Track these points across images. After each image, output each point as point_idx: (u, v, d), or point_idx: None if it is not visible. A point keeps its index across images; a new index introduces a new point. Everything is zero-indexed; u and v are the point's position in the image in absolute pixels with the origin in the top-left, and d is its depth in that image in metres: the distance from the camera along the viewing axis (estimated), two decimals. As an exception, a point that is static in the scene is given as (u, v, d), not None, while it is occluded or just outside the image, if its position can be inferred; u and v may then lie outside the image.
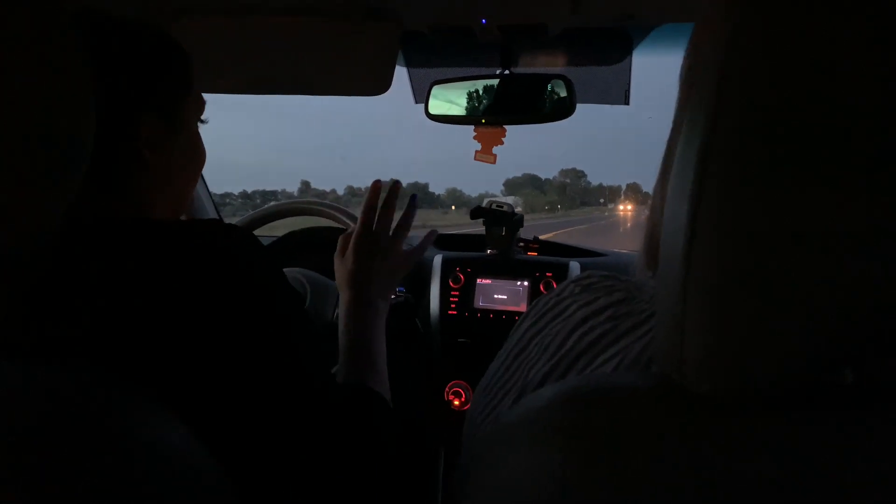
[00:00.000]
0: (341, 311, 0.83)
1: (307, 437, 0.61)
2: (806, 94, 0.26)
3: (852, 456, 0.27)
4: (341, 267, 0.87)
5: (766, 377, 0.28)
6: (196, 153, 0.74)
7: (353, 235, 0.87)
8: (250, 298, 0.57)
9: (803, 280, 0.26)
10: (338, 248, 0.88)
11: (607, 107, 1.38)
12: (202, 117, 0.75)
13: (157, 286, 0.54)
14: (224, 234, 0.59)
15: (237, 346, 0.56)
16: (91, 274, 0.54)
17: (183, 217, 0.76)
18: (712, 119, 0.28)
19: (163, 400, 0.49)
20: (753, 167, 0.27)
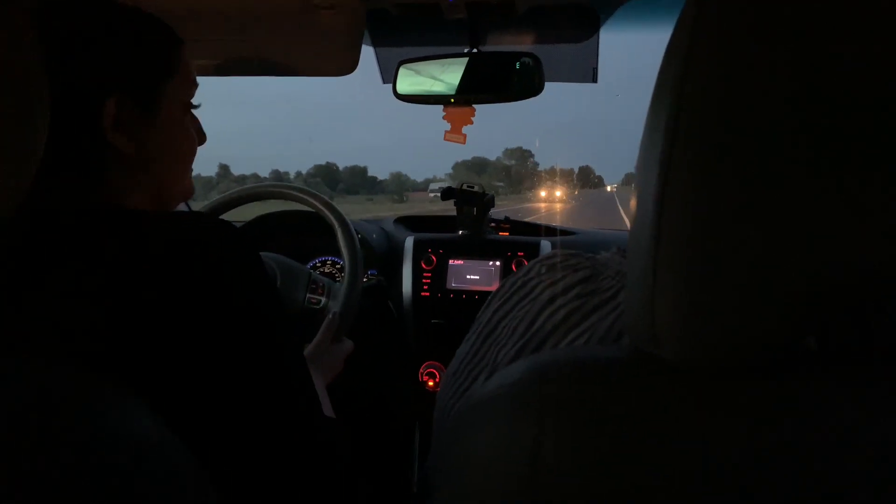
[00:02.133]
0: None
1: (286, 440, 0.60)
2: (769, 74, 0.26)
3: (819, 417, 0.28)
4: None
5: (735, 346, 0.29)
6: (177, 140, 0.70)
7: (310, 350, 1.07)
8: (232, 299, 0.56)
9: (767, 253, 0.27)
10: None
11: (571, 86, 1.38)
12: (193, 101, 0.72)
13: (128, 282, 0.52)
14: (207, 231, 0.57)
15: (217, 346, 0.55)
16: (59, 265, 0.52)
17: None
18: (678, 95, 0.28)
19: (138, 395, 0.48)
20: (718, 144, 0.27)
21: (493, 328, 0.51)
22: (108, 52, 0.62)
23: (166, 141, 0.68)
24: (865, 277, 0.27)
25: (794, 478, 0.27)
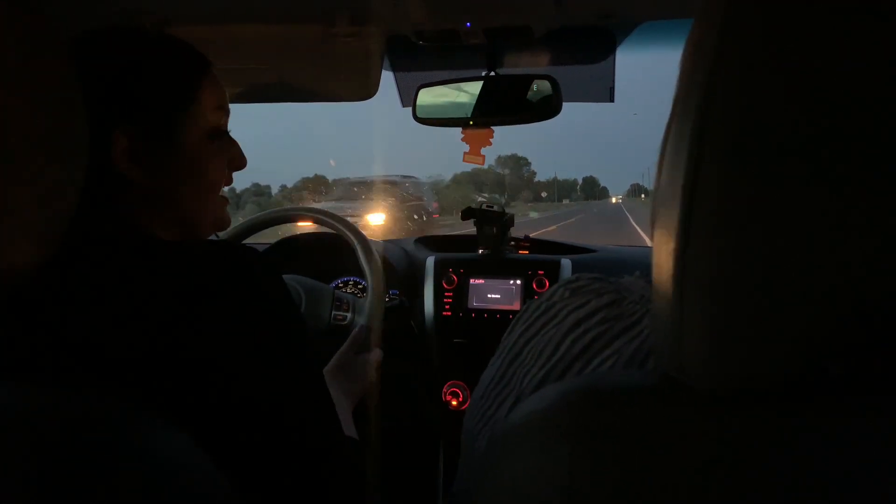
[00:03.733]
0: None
1: (304, 460, 0.61)
2: (800, 90, 0.26)
3: (846, 445, 0.28)
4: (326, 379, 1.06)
5: (763, 372, 0.29)
6: (201, 169, 0.67)
7: (335, 360, 1.05)
8: (255, 325, 0.57)
9: (797, 277, 0.27)
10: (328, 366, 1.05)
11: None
12: (228, 127, 0.70)
13: (151, 311, 0.53)
14: (228, 258, 0.57)
15: (241, 371, 0.56)
16: (82, 296, 0.53)
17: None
18: (703, 115, 0.28)
19: (165, 418, 0.49)
20: (742, 170, 0.27)
21: (518, 352, 0.51)
22: (117, 84, 0.61)
23: (188, 170, 0.66)
24: (894, 302, 0.27)
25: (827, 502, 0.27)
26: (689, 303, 0.29)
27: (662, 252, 0.31)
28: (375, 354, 1.13)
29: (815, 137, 0.26)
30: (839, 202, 0.26)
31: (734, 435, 0.29)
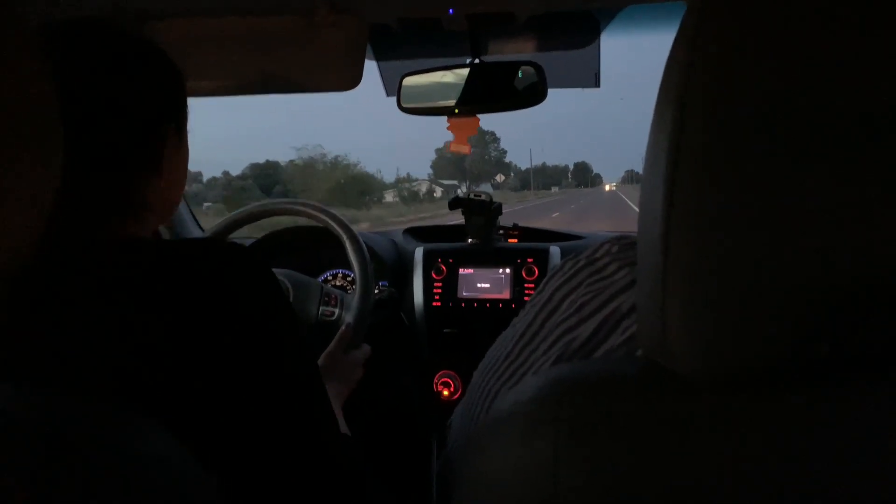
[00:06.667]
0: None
1: (300, 455, 0.61)
2: (774, 79, 0.26)
3: (834, 426, 0.28)
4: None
5: (747, 356, 0.29)
6: (187, 166, 0.72)
7: (322, 360, 1.06)
8: (247, 320, 0.57)
9: (777, 261, 0.27)
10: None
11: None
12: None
13: (143, 311, 0.53)
14: (218, 255, 0.58)
15: (234, 366, 0.55)
16: (75, 296, 0.53)
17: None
18: (682, 107, 0.28)
19: (153, 416, 0.49)
20: (722, 155, 0.27)
21: (556, 307, 0.50)
22: (162, 82, 0.65)
23: (185, 165, 0.70)
24: (878, 281, 0.27)
25: (816, 487, 0.27)
26: (672, 287, 0.29)
27: (645, 238, 0.31)
28: (363, 351, 1.14)
29: (791, 119, 0.26)
30: (822, 182, 0.26)
31: (718, 421, 0.29)
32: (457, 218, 1.65)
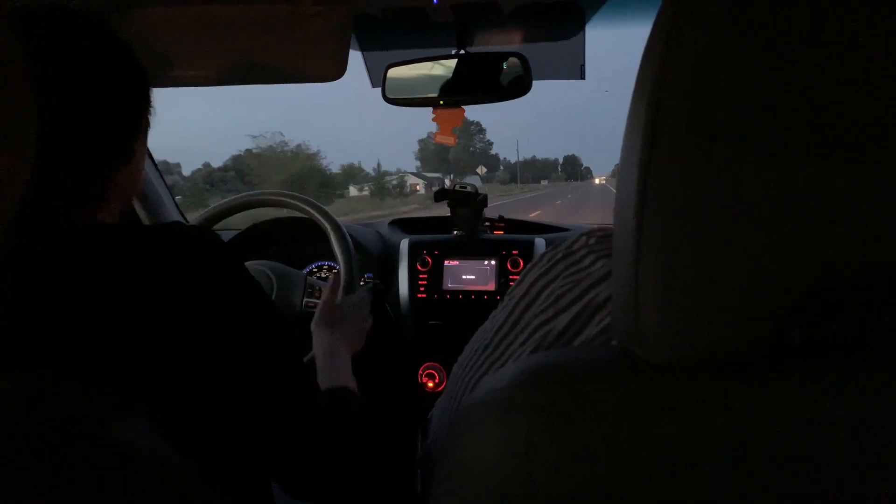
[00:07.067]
0: (318, 360, 0.97)
1: (285, 437, 0.62)
2: (747, 71, 0.27)
3: (807, 411, 0.28)
4: (316, 334, 1.03)
5: (719, 344, 0.29)
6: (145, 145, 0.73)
7: (320, 311, 1.05)
8: (221, 303, 0.57)
9: (747, 250, 0.27)
10: (314, 319, 1.05)
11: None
12: None
13: (120, 296, 0.53)
14: (193, 241, 0.59)
15: (211, 350, 0.56)
16: (54, 283, 0.53)
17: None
18: (656, 101, 0.28)
19: (136, 403, 0.49)
20: (696, 142, 0.27)
21: (534, 298, 0.50)
22: (133, 74, 0.65)
23: (145, 146, 0.71)
24: (848, 268, 0.27)
25: (787, 473, 0.27)
26: (644, 274, 0.29)
27: (621, 229, 0.31)
28: (359, 296, 1.15)
29: (762, 107, 0.26)
30: (792, 169, 0.26)
31: (693, 407, 0.29)
32: (441, 210, 1.64)
